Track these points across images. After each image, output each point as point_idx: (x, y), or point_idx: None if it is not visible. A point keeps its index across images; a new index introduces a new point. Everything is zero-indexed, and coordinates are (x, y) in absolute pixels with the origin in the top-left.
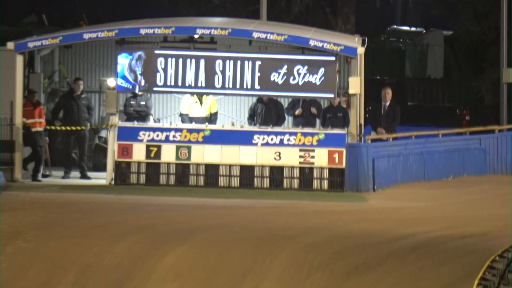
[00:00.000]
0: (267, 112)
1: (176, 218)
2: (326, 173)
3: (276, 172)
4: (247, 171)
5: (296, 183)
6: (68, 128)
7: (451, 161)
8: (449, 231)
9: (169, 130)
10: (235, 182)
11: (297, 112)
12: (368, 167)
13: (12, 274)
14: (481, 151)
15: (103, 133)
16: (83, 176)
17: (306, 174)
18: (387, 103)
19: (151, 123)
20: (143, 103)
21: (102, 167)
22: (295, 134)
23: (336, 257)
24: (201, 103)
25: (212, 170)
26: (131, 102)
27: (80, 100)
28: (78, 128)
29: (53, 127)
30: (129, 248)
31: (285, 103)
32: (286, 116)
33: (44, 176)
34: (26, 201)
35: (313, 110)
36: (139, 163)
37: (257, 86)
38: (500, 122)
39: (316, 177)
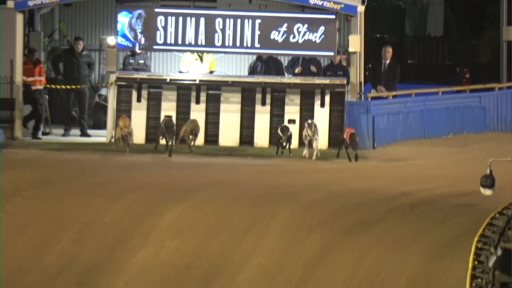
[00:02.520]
0: (266, 70)
1: (176, 176)
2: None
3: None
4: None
5: (296, 140)
6: (68, 86)
7: (451, 119)
8: (449, 189)
9: None
10: (235, 139)
11: (296, 71)
12: (368, 125)
13: (12, 231)
14: (481, 109)
15: (103, 91)
16: (83, 133)
17: None
18: (387, 62)
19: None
20: (141, 61)
21: (102, 125)
22: None
23: (335, 214)
24: (201, 60)
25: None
26: (130, 61)
27: (81, 58)
28: (78, 86)
29: (53, 86)
30: (129, 206)
31: (284, 61)
32: (286, 74)
33: (44, 134)
34: (26, 159)
35: (313, 68)
36: None
37: (257, 44)
38: (500, 80)
39: None
